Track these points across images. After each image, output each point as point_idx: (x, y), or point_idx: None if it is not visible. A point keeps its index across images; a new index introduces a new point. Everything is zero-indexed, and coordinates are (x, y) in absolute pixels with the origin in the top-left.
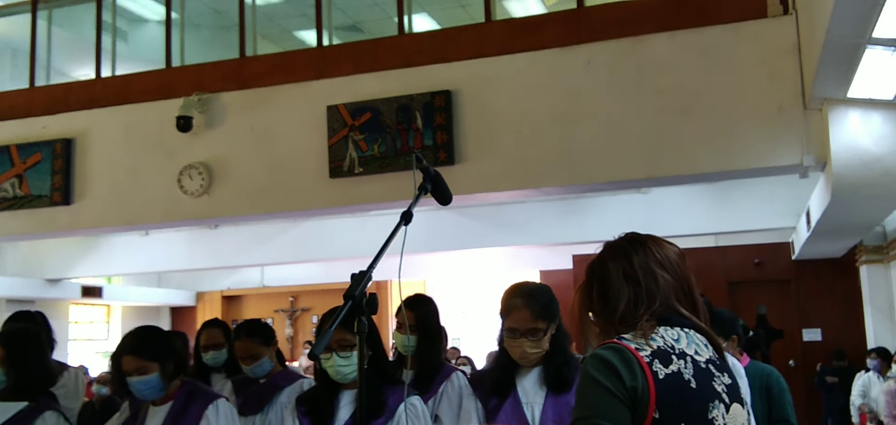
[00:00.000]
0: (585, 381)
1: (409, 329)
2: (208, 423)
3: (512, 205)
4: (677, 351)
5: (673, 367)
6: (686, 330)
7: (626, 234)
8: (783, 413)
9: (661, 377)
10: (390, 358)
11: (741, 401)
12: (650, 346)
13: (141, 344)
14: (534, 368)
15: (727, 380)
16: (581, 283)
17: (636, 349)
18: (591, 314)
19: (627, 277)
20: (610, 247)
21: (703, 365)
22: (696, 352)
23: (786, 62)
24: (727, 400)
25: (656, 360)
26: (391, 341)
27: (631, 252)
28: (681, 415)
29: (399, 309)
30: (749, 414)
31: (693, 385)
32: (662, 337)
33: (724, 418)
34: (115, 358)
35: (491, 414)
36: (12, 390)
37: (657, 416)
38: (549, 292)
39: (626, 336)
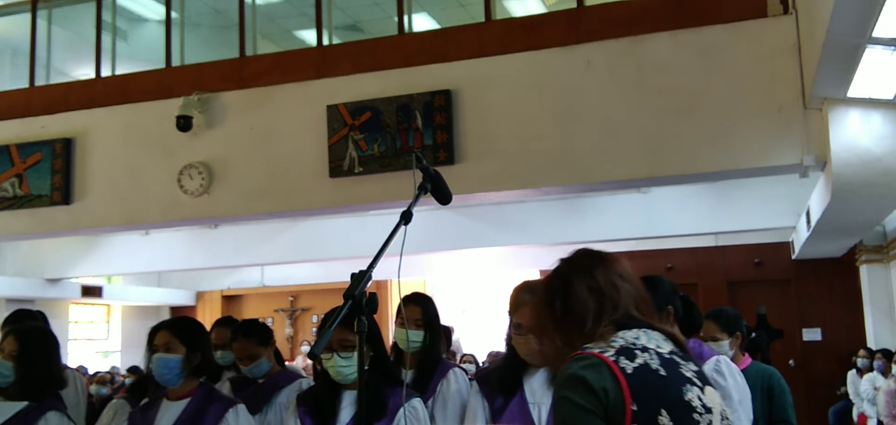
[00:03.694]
0: (556, 402)
1: (415, 325)
2: None
3: (512, 205)
4: (639, 347)
5: (639, 360)
6: (644, 329)
7: (581, 250)
8: (784, 413)
9: (629, 371)
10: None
11: (712, 385)
12: (613, 347)
13: (177, 325)
14: (541, 368)
15: (694, 367)
16: (538, 302)
17: (600, 352)
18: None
19: (591, 290)
20: (569, 262)
21: (667, 356)
22: (658, 347)
23: (786, 62)
24: (699, 382)
25: (621, 357)
26: (391, 339)
27: (592, 266)
28: (658, 402)
29: (400, 304)
30: (722, 400)
31: (662, 372)
32: (623, 337)
33: (700, 399)
34: (152, 333)
35: (496, 413)
36: (19, 389)
37: (635, 409)
38: None
39: (588, 345)
